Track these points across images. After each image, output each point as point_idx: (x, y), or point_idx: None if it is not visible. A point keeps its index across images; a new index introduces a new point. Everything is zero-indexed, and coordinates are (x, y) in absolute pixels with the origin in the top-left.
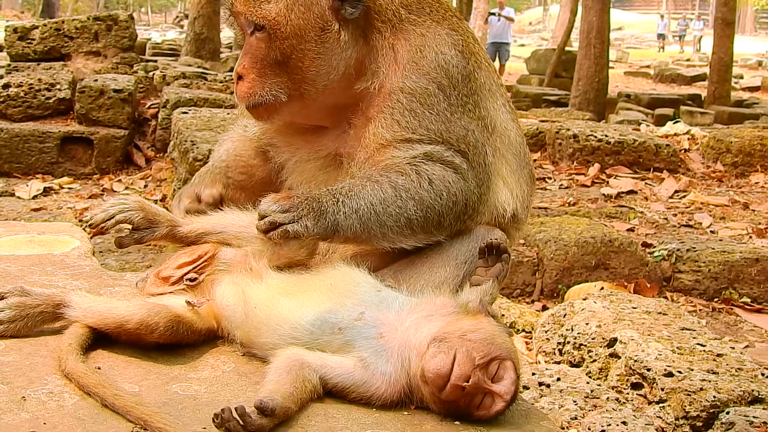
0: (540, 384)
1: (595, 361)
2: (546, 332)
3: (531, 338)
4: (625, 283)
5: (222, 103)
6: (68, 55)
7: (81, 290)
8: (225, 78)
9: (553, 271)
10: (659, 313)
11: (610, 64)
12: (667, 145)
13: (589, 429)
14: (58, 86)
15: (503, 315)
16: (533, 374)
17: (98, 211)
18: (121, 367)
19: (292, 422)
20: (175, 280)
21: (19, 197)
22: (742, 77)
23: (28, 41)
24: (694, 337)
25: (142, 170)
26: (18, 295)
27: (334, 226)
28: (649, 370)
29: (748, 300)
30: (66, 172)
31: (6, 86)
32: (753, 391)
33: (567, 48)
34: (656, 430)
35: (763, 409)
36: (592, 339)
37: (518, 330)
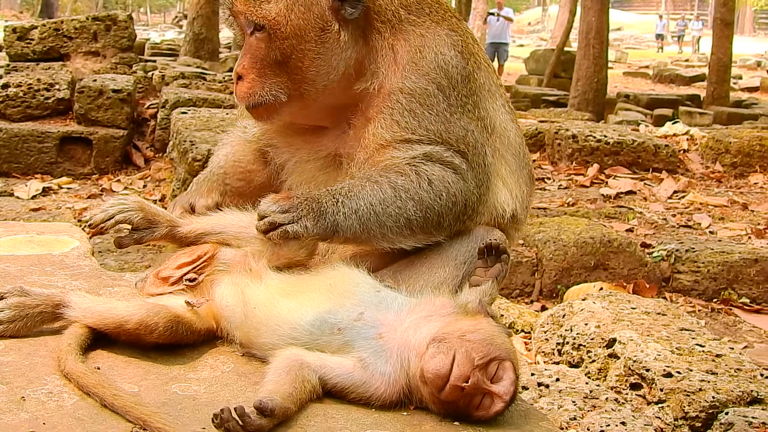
0: (539, 384)
1: (594, 361)
2: (545, 333)
3: (530, 339)
4: (624, 284)
5: (221, 103)
6: (67, 55)
7: (80, 290)
8: (224, 78)
9: (552, 272)
10: (658, 313)
11: (609, 65)
12: (666, 145)
13: (588, 429)
14: (57, 86)
15: (502, 315)
16: (532, 375)
17: (97, 212)
18: (121, 367)
19: (292, 422)
20: (175, 280)
21: (18, 197)
22: (741, 78)
23: (27, 41)
24: (693, 338)
25: (141, 170)
26: (17, 295)
27: (333, 226)
28: (648, 370)
29: (747, 300)
30: (65, 172)
31: (5, 86)
32: (752, 391)
33: (566, 48)
34: (655, 430)
35: (762, 409)
36: (591, 339)
37: (517, 330)
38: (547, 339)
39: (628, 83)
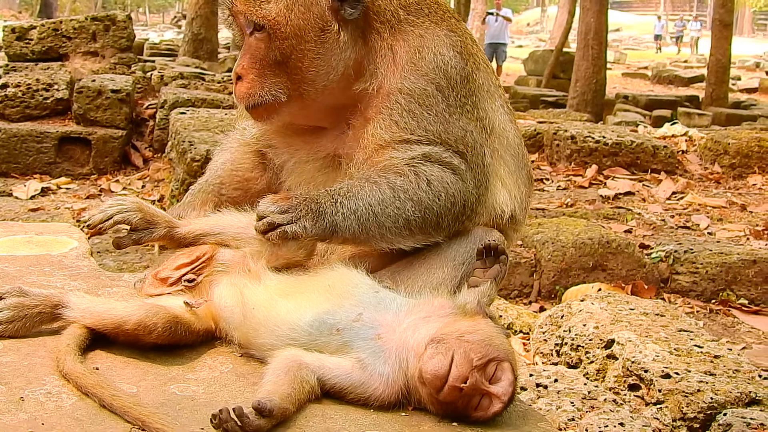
0: (537, 385)
1: (592, 362)
2: (543, 333)
3: (528, 339)
4: (623, 285)
5: (220, 103)
6: (66, 55)
7: (79, 291)
8: (223, 78)
9: (550, 273)
10: (656, 314)
11: (608, 66)
12: (665, 146)
13: (586, 430)
14: (55, 86)
15: (501, 316)
16: (531, 375)
17: (96, 212)
18: (119, 367)
19: (290, 423)
20: (174, 281)
21: (16, 197)
22: (739, 79)
23: (26, 41)
24: (691, 339)
25: (140, 170)
26: (16, 296)
27: (332, 226)
28: (646, 371)
29: (746, 301)
30: (63, 173)
31: (4, 86)
32: (750, 392)
33: (565, 49)
34: (653, 431)
35: (761, 410)
36: (590, 340)
37: (516, 331)
38: (545, 340)
39: (626, 84)
